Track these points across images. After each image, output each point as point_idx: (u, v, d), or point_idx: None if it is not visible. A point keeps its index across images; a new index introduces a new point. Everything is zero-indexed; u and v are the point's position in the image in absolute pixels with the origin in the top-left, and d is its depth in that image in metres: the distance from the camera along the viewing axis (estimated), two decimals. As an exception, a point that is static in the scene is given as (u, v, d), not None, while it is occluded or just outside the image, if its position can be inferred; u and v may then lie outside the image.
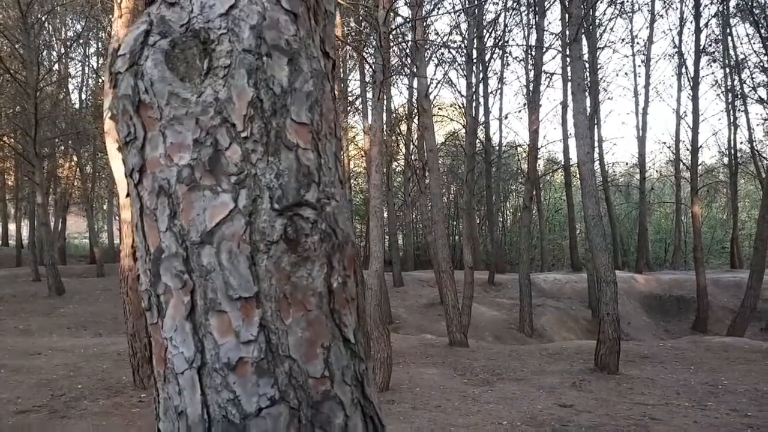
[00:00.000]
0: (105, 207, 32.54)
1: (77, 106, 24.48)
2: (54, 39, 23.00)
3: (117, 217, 23.43)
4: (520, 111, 24.11)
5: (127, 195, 0.86)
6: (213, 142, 0.79)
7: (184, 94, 0.80)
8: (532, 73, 19.03)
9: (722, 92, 23.83)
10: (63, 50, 22.44)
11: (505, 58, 21.85)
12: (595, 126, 21.57)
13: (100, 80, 21.98)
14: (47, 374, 7.53)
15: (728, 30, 21.59)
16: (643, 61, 25.35)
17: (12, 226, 31.66)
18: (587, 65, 18.58)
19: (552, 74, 18.73)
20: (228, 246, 0.77)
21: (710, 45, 21.47)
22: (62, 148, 24.00)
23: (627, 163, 30.58)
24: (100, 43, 23.30)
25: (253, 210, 0.78)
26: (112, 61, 0.85)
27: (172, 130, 0.80)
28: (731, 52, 22.00)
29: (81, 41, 22.42)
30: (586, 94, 10.26)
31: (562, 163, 23.98)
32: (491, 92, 23.71)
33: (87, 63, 25.00)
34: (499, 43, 18.82)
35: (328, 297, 0.82)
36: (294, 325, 0.78)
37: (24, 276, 19.42)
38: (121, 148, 0.86)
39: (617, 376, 8.44)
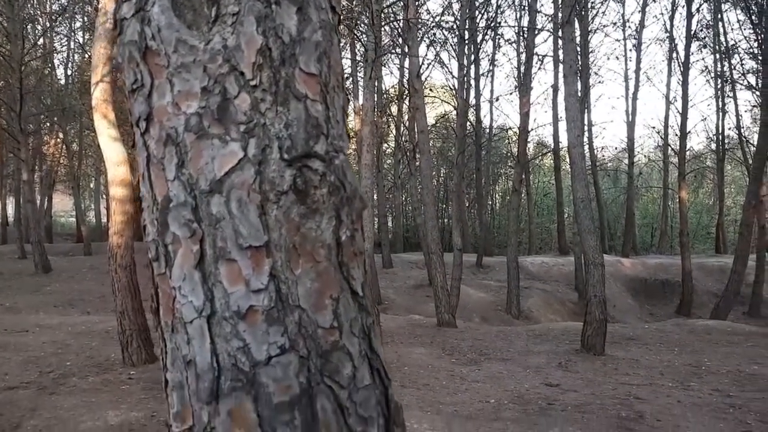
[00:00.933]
0: (92, 185, 32.20)
1: (63, 81, 24.07)
2: (39, 12, 22.48)
3: (104, 196, 23.26)
4: (511, 93, 24.10)
5: (133, 145, 0.85)
6: (221, 91, 0.77)
7: (192, 41, 0.78)
8: (523, 56, 18.97)
9: (712, 78, 23.96)
10: (48, 24, 21.97)
11: (497, 40, 21.77)
12: (585, 110, 21.62)
13: (86, 55, 21.58)
14: (35, 351, 7.49)
15: (719, 16, 21.64)
16: (634, 46, 25.40)
17: (-3, 204, 31.25)
18: (579, 48, 18.55)
19: (543, 57, 18.69)
20: (238, 195, 0.76)
21: (701, 30, 21.54)
22: (48, 124, 23.64)
23: (616, 148, 30.80)
24: (86, 18, 22.81)
25: (262, 159, 0.77)
26: (118, 7, 0.83)
27: (179, 77, 0.78)
28: (722, 37, 22.07)
29: (67, 15, 21.95)
30: (578, 77, 10.25)
31: (552, 146, 24.06)
32: (482, 74, 23.64)
33: (73, 38, 24.52)
34: (492, 24, 18.70)
35: (337, 249, 0.81)
36: (303, 275, 0.78)
37: (9, 254, 19.23)
38: (126, 95, 0.84)
39: (603, 357, 8.56)
